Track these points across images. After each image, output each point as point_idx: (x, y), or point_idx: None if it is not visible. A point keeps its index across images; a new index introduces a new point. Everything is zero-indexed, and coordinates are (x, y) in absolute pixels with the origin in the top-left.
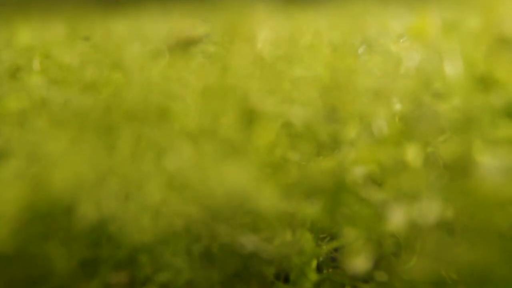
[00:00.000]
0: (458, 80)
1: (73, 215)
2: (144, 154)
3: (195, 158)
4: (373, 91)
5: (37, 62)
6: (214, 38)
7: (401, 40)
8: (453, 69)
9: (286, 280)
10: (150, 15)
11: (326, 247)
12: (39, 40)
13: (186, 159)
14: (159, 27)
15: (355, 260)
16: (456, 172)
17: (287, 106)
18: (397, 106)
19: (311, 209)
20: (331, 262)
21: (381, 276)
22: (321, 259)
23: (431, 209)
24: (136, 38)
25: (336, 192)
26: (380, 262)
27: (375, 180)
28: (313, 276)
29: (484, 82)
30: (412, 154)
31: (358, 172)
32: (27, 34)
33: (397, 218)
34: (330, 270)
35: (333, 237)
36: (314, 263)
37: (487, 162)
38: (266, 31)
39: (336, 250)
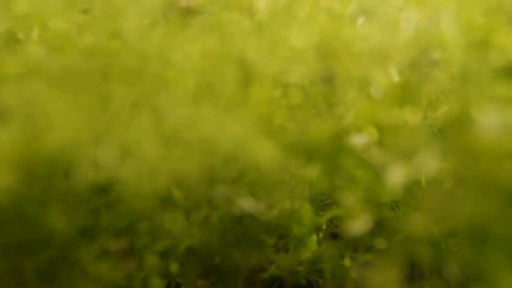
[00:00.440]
0: (457, 44)
1: (71, 174)
2: (141, 115)
3: (193, 115)
4: (371, 55)
5: (34, 29)
6: (213, 8)
7: (400, 7)
8: (451, 33)
9: (286, 251)
10: None
11: (326, 216)
12: (36, 8)
13: (185, 116)
14: None
15: (354, 223)
16: (455, 130)
17: (285, 70)
18: (396, 69)
19: (310, 172)
20: (332, 237)
21: (381, 243)
22: (321, 234)
23: (429, 166)
24: (134, 8)
25: (335, 154)
26: (379, 228)
27: (374, 141)
28: (313, 246)
29: (483, 46)
30: (411, 114)
31: (356, 133)
32: (24, 1)
33: (396, 178)
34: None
35: (332, 205)
36: (314, 236)
37: (486, 120)
38: (264, 1)
39: (336, 226)
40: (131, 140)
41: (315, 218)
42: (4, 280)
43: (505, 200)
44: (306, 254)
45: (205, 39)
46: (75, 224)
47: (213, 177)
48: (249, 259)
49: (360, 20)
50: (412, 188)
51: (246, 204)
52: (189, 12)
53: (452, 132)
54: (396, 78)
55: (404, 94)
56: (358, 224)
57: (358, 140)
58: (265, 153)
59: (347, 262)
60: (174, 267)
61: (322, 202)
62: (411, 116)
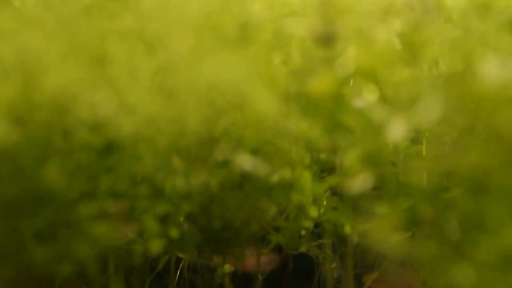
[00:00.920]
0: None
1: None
2: (140, 66)
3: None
4: (371, 11)
5: None
6: None
7: None
8: None
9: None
10: None
11: (327, 182)
12: None
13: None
14: None
15: (355, 182)
16: (457, 81)
17: (283, 21)
18: (396, 25)
19: (310, 130)
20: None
21: (381, 209)
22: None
23: (431, 117)
24: None
25: (335, 110)
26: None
27: (375, 97)
28: (314, 213)
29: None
30: (412, 67)
31: (357, 89)
32: None
33: (397, 130)
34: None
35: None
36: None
37: (488, 70)
38: None
39: (337, 193)
40: (130, 90)
41: (316, 185)
42: (3, 240)
43: (506, 149)
44: (307, 223)
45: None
46: (74, 183)
47: (213, 133)
48: (250, 226)
49: None
50: (414, 140)
51: (246, 162)
52: None
53: (454, 83)
54: (397, 32)
55: (406, 48)
56: (359, 183)
57: (359, 95)
58: (265, 103)
59: (347, 229)
60: (174, 232)
61: (323, 166)
62: (413, 70)
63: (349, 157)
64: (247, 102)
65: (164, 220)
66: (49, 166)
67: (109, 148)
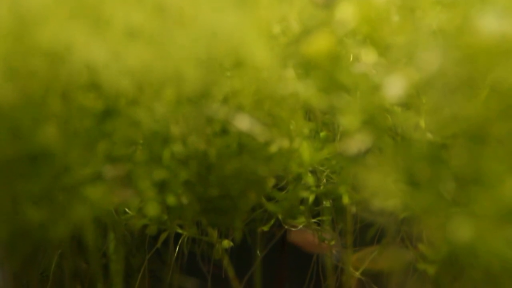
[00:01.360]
0: None
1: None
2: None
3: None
4: None
5: None
6: None
7: None
8: None
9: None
10: None
11: (324, 151)
12: None
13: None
14: None
15: (352, 141)
16: (455, 33)
17: None
18: None
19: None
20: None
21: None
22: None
23: (429, 68)
24: None
25: (332, 68)
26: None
27: (373, 53)
28: (311, 181)
29: None
30: (409, 23)
31: (353, 44)
32: None
33: (395, 87)
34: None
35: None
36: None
37: (486, 23)
38: None
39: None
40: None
41: (314, 153)
42: None
43: (505, 102)
44: (305, 193)
45: None
46: (71, 147)
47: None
48: (248, 197)
49: None
50: (412, 94)
51: (245, 123)
52: None
53: (453, 36)
54: None
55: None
56: (357, 143)
57: (357, 54)
58: (264, 61)
59: (345, 199)
60: (171, 199)
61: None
62: (411, 24)
63: (347, 118)
64: (246, 59)
65: (162, 188)
66: (46, 129)
67: (107, 113)
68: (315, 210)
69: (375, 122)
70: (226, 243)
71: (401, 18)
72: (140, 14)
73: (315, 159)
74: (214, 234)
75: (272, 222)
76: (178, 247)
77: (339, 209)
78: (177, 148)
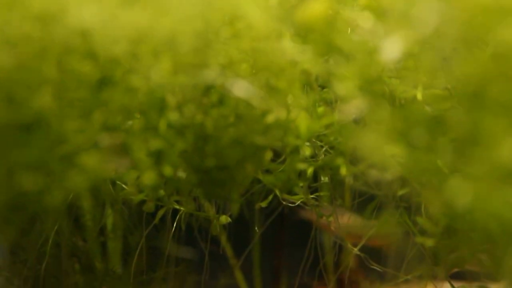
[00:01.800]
0: None
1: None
2: None
3: None
4: None
5: None
6: None
7: None
8: None
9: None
10: None
11: (323, 121)
12: None
13: None
14: None
15: (349, 105)
16: None
17: None
18: None
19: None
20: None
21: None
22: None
23: (426, 29)
24: None
25: (328, 32)
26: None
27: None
28: (308, 151)
29: None
30: None
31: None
32: None
33: (392, 48)
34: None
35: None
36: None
37: None
38: None
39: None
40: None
41: (312, 124)
42: None
43: (503, 61)
44: (302, 165)
45: None
46: (66, 115)
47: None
48: (245, 168)
49: None
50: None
51: (241, 88)
52: None
53: None
54: None
55: None
56: (354, 108)
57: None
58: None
59: (343, 171)
60: (167, 170)
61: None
62: None
63: (344, 84)
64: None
65: (158, 158)
66: (40, 96)
67: (103, 81)
68: (313, 187)
69: (372, 87)
70: (224, 219)
71: None
72: None
73: (312, 130)
74: (211, 210)
75: (270, 198)
76: (175, 223)
77: (337, 184)
78: (174, 117)
